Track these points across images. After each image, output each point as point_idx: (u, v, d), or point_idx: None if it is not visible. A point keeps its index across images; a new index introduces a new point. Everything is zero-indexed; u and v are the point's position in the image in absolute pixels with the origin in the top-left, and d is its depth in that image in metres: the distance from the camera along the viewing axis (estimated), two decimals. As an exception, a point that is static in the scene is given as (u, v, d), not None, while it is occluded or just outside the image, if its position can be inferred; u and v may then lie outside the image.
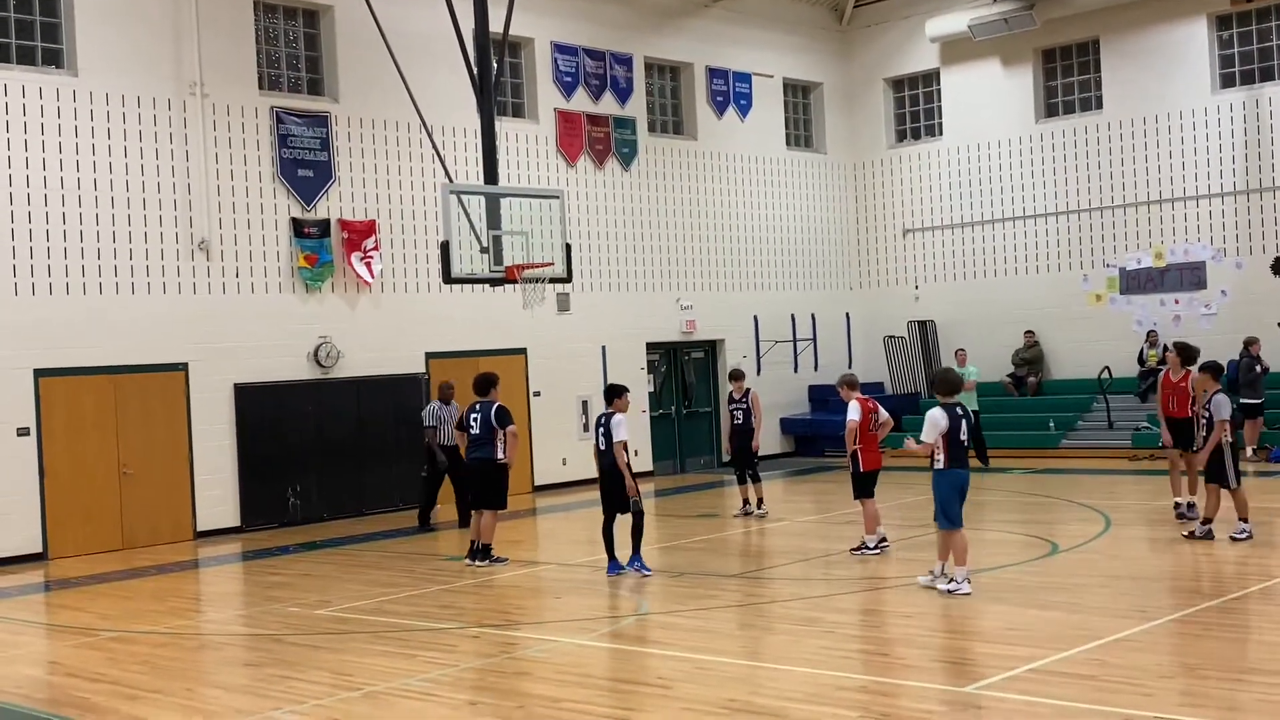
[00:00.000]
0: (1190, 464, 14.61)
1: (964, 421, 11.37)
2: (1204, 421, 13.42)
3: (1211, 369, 13.81)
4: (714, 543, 15.61)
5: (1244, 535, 13.20)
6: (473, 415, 14.31)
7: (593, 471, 19.21)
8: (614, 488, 13.07)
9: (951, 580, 11.27)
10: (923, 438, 11.38)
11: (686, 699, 8.38)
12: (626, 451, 13.04)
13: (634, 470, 13.23)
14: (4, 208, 16.38)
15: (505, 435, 14.11)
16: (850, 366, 26.42)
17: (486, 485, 14.19)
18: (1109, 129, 24.46)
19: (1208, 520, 13.38)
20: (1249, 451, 20.79)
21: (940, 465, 11.31)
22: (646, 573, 12.97)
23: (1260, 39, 23.14)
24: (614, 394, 13.26)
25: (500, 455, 14.14)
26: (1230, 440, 13.28)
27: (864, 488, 13.53)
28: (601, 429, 13.11)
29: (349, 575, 14.24)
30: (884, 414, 13.75)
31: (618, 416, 13.03)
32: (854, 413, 13.30)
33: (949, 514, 11.34)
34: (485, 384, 14.45)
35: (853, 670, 9.00)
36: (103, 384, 17.09)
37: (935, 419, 11.28)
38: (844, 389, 13.96)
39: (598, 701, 8.49)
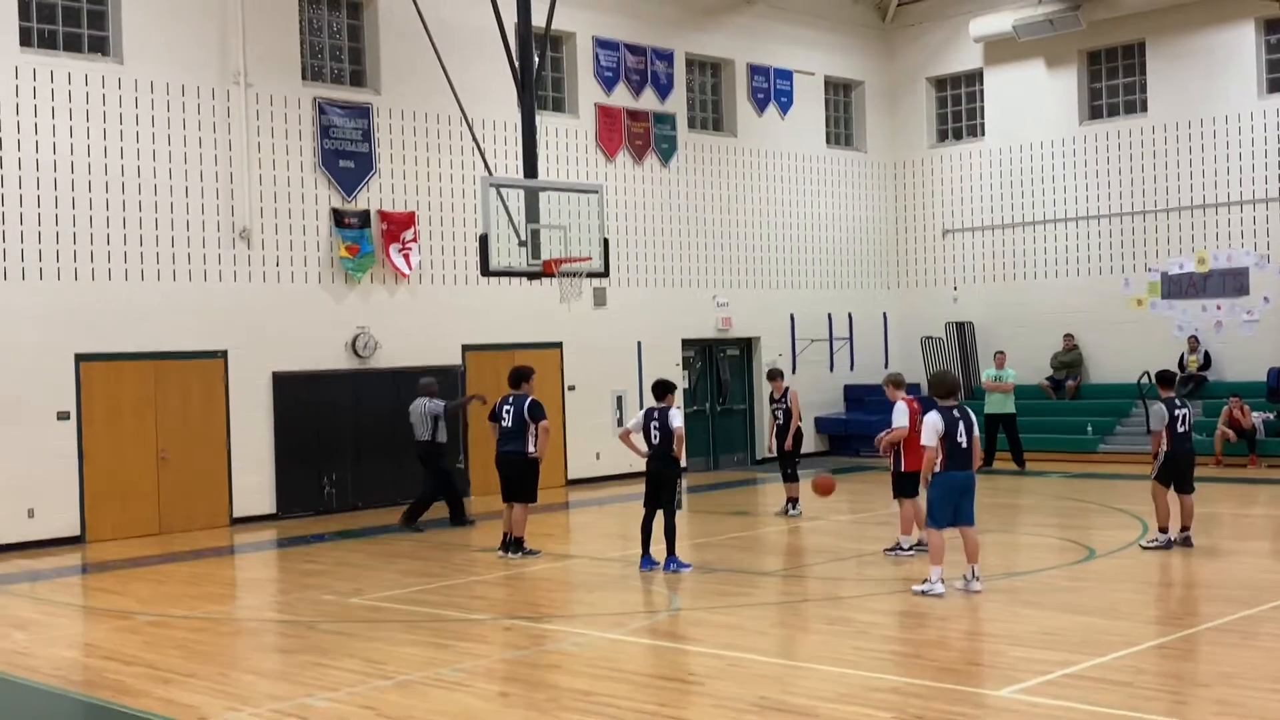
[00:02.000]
0: None
1: (961, 424, 11.33)
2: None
3: (1162, 378, 13.75)
4: (747, 540, 15.59)
5: (1155, 545, 13.38)
6: (505, 408, 14.32)
7: (625, 466, 19.34)
8: (662, 484, 13.09)
9: (925, 580, 11.29)
10: (923, 442, 11.44)
11: (718, 696, 8.38)
12: (683, 444, 13.20)
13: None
14: (48, 193, 16.54)
15: (537, 429, 14.12)
16: (886, 367, 26.31)
17: (517, 479, 14.21)
18: (1153, 132, 24.24)
19: (1185, 528, 13.46)
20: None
21: (936, 468, 11.33)
22: (686, 568, 12.97)
23: (1309, 43, 22.90)
24: (667, 390, 13.39)
25: (531, 449, 14.16)
26: (1167, 449, 13.32)
27: (905, 488, 13.45)
28: (655, 423, 13.13)
29: (383, 564, 14.30)
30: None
31: (673, 410, 13.14)
32: (902, 417, 13.21)
33: (935, 515, 11.41)
34: (519, 377, 14.48)
35: (885, 671, 8.96)
36: (143, 370, 17.23)
37: (933, 422, 11.32)
38: (890, 388, 13.91)
39: (629, 696, 8.49)
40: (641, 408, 17.16)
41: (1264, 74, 23.21)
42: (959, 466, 11.35)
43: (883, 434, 13.66)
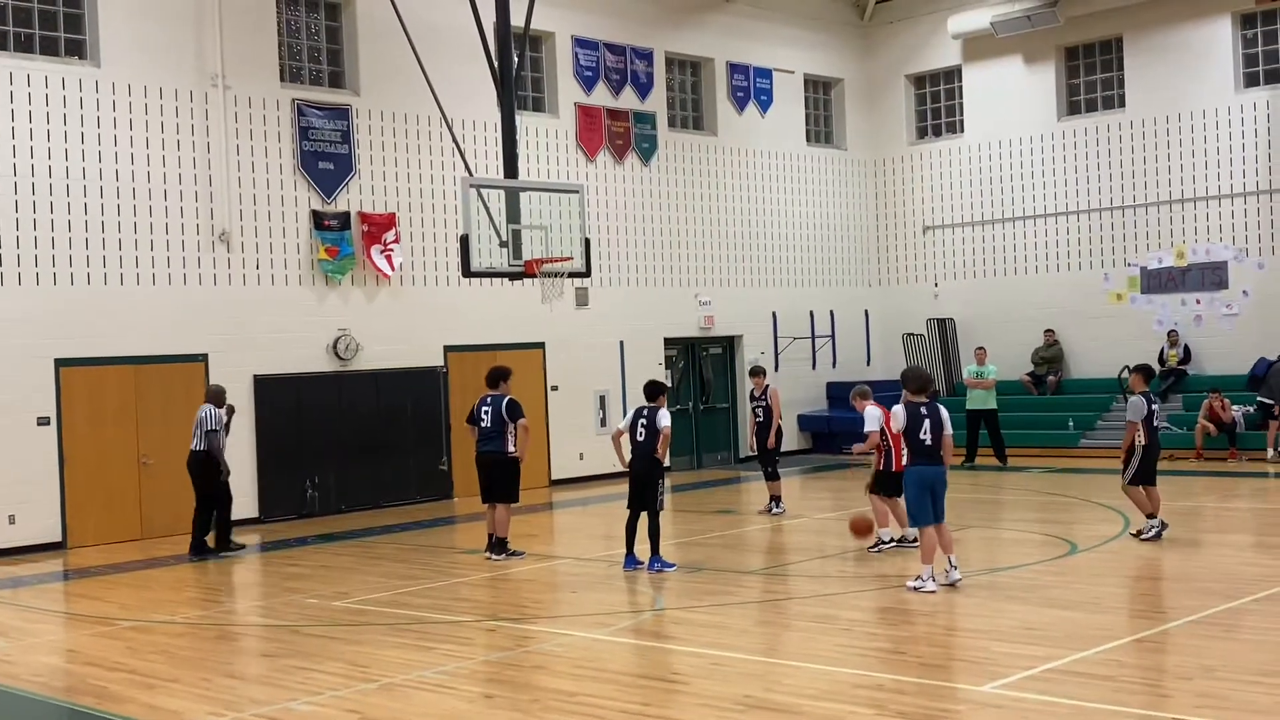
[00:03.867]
0: None
1: (928, 420, 11.42)
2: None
3: (1142, 371, 13.98)
4: (730, 539, 15.60)
5: (1150, 533, 13.48)
6: (483, 408, 14.29)
7: (608, 466, 19.30)
8: (646, 484, 13.10)
9: (918, 577, 11.34)
10: (866, 427, 11.67)
11: (702, 695, 8.38)
12: (668, 444, 13.24)
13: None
14: (26, 198, 16.46)
15: (516, 429, 14.11)
16: (869, 364, 26.40)
17: (497, 479, 14.19)
18: (1131, 127, 24.34)
19: (1151, 515, 13.54)
20: (1270, 453, 20.70)
21: (904, 463, 11.46)
22: (670, 568, 12.97)
23: (1285, 38, 23.01)
24: (659, 390, 13.46)
25: (510, 449, 14.14)
26: (1145, 442, 13.48)
27: (887, 486, 13.47)
28: (643, 421, 13.15)
29: (366, 567, 14.27)
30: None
31: (662, 410, 13.21)
32: (873, 422, 13.29)
33: (916, 513, 11.49)
34: (497, 377, 14.45)
35: (869, 668, 8.97)
36: (123, 374, 17.16)
37: (893, 413, 11.60)
38: (858, 400, 14.06)
39: (613, 696, 8.48)
40: (625, 407, 17.18)
41: (1240, 68, 23.32)
42: (926, 461, 11.43)
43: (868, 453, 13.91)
